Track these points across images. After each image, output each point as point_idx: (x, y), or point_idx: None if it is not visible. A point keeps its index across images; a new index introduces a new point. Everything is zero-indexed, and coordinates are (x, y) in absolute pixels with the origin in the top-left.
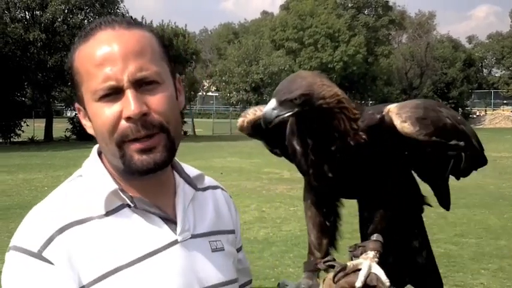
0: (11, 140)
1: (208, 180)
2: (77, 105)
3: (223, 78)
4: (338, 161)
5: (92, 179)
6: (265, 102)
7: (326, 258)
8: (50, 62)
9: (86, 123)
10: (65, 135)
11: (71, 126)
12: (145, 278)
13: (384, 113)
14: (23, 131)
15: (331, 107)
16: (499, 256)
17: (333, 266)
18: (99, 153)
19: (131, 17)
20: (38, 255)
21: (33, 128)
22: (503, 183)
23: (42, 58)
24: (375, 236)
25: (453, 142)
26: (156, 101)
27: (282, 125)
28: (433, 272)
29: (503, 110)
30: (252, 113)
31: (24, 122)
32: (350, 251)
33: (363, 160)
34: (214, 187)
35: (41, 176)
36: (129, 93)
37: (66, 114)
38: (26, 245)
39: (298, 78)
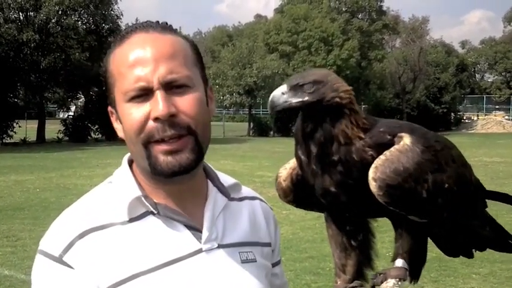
0: (3, 141)
1: (246, 191)
2: (109, 108)
3: (216, 81)
4: (340, 175)
5: (119, 185)
6: (259, 106)
7: (351, 285)
8: (43, 63)
9: (117, 126)
10: (58, 137)
11: (64, 128)
12: (164, 286)
13: (395, 137)
14: (15, 132)
15: (343, 104)
16: (490, 261)
17: None
18: (130, 163)
19: (166, 23)
20: (59, 260)
21: (25, 129)
22: (495, 189)
23: (36, 59)
24: (400, 263)
25: (412, 217)
26: (185, 102)
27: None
28: (505, 239)
29: (495, 115)
30: (283, 169)
31: (17, 123)
32: (372, 279)
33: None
34: (252, 198)
35: (33, 178)
36: (158, 94)
37: (59, 116)
38: (49, 249)
39: (313, 69)
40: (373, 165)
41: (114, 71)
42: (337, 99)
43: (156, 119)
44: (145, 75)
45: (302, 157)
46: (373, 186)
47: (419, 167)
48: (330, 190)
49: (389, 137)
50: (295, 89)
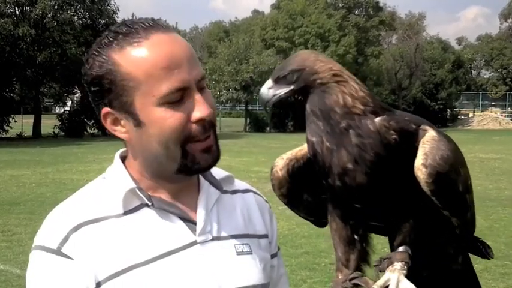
0: None
1: (239, 184)
2: (106, 109)
3: (213, 76)
4: (357, 148)
5: (113, 180)
6: (255, 101)
7: (351, 275)
8: (39, 58)
9: (119, 128)
10: (54, 132)
11: (60, 123)
12: (159, 277)
13: (420, 128)
14: (11, 127)
15: (326, 81)
16: None
17: (358, 285)
18: (122, 159)
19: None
20: (58, 252)
21: (21, 124)
22: (490, 185)
23: (32, 54)
24: (401, 248)
25: (446, 212)
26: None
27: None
28: (471, 278)
29: (491, 112)
30: (280, 159)
31: (13, 118)
32: (375, 266)
33: (390, 162)
34: (244, 191)
35: (29, 173)
36: (198, 96)
37: (55, 111)
38: (46, 243)
39: (293, 56)
40: (421, 152)
41: (135, 73)
42: (319, 81)
43: (198, 121)
44: (184, 78)
45: (313, 139)
46: (422, 173)
47: (456, 156)
48: (348, 167)
49: (414, 126)
50: (279, 81)
